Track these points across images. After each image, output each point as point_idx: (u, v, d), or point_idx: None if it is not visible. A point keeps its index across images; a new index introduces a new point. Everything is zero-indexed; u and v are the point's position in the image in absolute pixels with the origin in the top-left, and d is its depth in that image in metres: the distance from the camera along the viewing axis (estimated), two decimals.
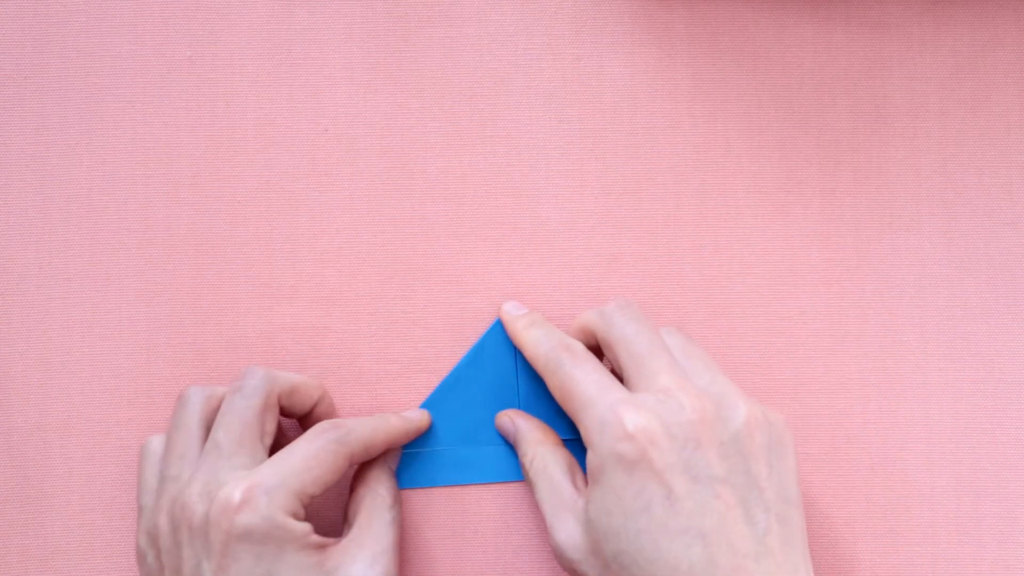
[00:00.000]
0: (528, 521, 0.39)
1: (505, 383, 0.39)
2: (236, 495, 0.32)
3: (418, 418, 0.38)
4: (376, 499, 0.36)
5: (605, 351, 0.36)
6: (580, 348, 0.35)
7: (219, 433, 0.34)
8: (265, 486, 0.32)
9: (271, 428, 0.35)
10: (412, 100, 0.40)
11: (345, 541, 0.34)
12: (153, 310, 0.40)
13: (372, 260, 0.40)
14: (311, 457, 0.34)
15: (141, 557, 0.35)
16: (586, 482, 0.35)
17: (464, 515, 0.39)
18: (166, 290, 0.40)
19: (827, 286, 0.40)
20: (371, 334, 0.40)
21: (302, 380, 0.37)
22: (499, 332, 0.39)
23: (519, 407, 0.39)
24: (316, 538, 0.33)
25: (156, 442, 0.37)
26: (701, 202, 0.40)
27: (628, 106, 0.40)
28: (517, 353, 0.39)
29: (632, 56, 0.40)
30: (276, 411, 0.36)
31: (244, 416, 0.35)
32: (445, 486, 0.39)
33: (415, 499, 0.39)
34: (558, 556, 0.34)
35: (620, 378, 0.35)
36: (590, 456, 0.33)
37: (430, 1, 0.40)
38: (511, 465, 0.39)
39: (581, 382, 0.34)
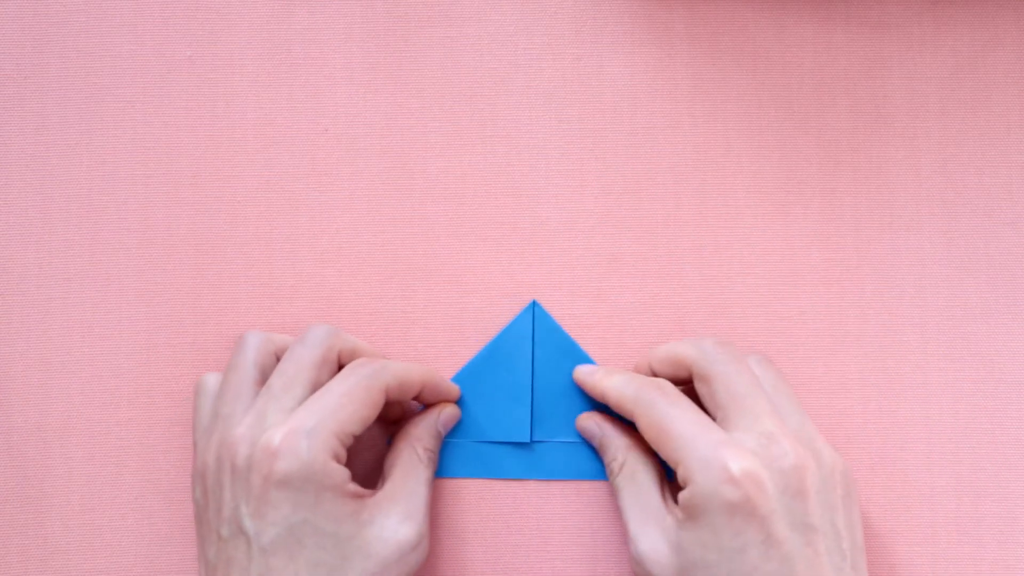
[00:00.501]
0: (528, 521, 0.39)
1: (520, 381, 0.39)
2: (275, 439, 0.32)
3: (453, 385, 0.39)
4: (413, 456, 0.36)
5: (699, 384, 0.36)
6: (671, 387, 0.35)
7: (274, 379, 0.35)
8: (304, 428, 0.32)
9: (325, 380, 0.35)
10: (412, 100, 0.40)
11: (380, 495, 0.35)
12: (153, 310, 0.40)
13: (372, 260, 0.40)
14: (346, 394, 0.34)
15: (193, 492, 0.35)
16: (674, 497, 0.35)
17: (464, 514, 0.39)
18: (166, 290, 0.40)
19: (827, 286, 0.40)
20: (371, 334, 0.40)
21: (365, 345, 0.37)
22: (515, 330, 0.39)
23: (533, 406, 0.39)
24: (353, 487, 0.34)
25: (212, 380, 0.37)
26: (701, 202, 0.40)
27: (628, 106, 0.40)
28: (534, 352, 0.39)
29: (632, 56, 0.40)
30: (334, 366, 0.36)
31: (300, 363, 0.35)
32: (448, 479, 0.39)
33: None
34: (638, 565, 0.34)
35: (710, 415, 0.35)
36: (689, 492, 0.33)
37: (430, 1, 0.40)
38: (514, 463, 0.39)
39: (678, 419, 0.34)
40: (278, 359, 0.37)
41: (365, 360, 0.35)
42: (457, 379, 0.39)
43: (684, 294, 0.40)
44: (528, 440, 0.39)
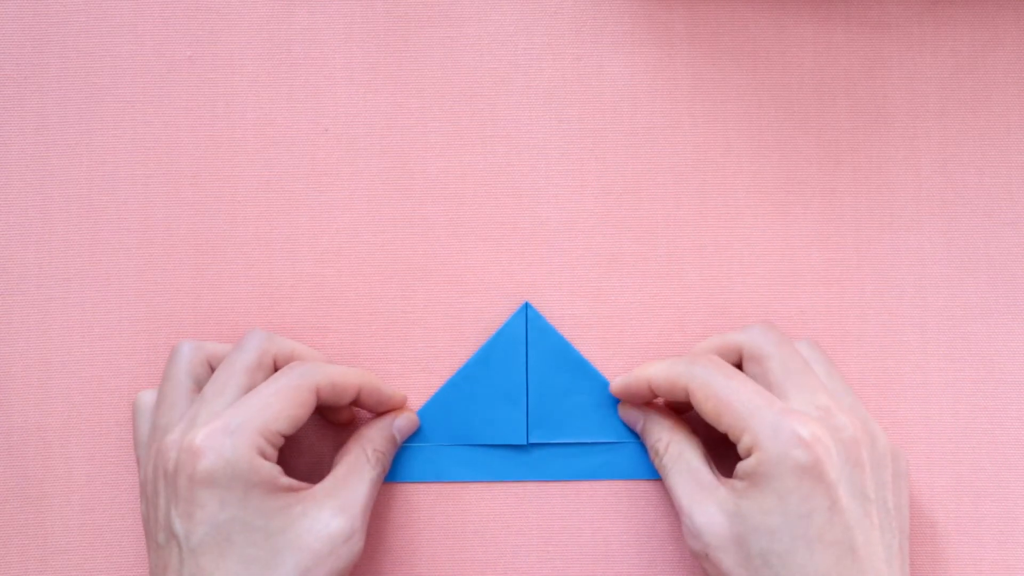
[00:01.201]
0: (528, 521, 0.39)
1: (515, 383, 0.39)
2: (198, 438, 0.32)
3: (396, 392, 0.38)
4: (361, 456, 0.36)
5: (751, 365, 0.36)
6: (722, 361, 0.36)
7: (208, 386, 0.35)
8: (228, 427, 0.33)
9: (259, 384, 0.35)
10: (412, 100, 0.40)
11: (317, 488, 0.35)
12: (153, 310, 0.40)
13: (372, 260, 0.40)
14: (273, 394, 0.34)
15: (141, 506, 0.35)
16: (722, 471, 0.36)
17: (464, 515, 0.39)
18: (166, 290, 0.40)
19: (827, 286, 0.40)
20: (371, 334, 0.40)
21: (304, 348, 0.37)
22: (509, 332, 0.39)
23: (528, 409, 0.39)
24: (286, 480, 0.34)
25: (148, 396, 0.37)
26: (701, 202, 0.40)
27: (628, 106, 0.40)
28: (527, 353, 0.39)
29: (632, 56, 0.40)
30: (270, 370, 0.36)
31: (232, 368, 0.35)
32: (447, 482, 0.39)
33: (416, 498, 0.39)
34: (694, 538, 0.34)
35: None
36: (756, 459, 0.33)
37: (430, 1, 0.40)
38: (511, 466, 0.39)
39: (738, 390, 0.34)
40: (212, 368, 0.37)
41: (298, 363, 0.35)
42: (451, 384, 0.39)
43: (684, 294, 0.40)
44: (524, 442, 0.39)
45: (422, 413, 0.39)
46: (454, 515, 0.39)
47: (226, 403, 0.34)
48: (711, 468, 0.36)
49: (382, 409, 0.38)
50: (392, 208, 0.40)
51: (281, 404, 0.34)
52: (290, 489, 0.34)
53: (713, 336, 0.38)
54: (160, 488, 0.33)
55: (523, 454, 0.39)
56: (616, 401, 0.39)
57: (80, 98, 0.40)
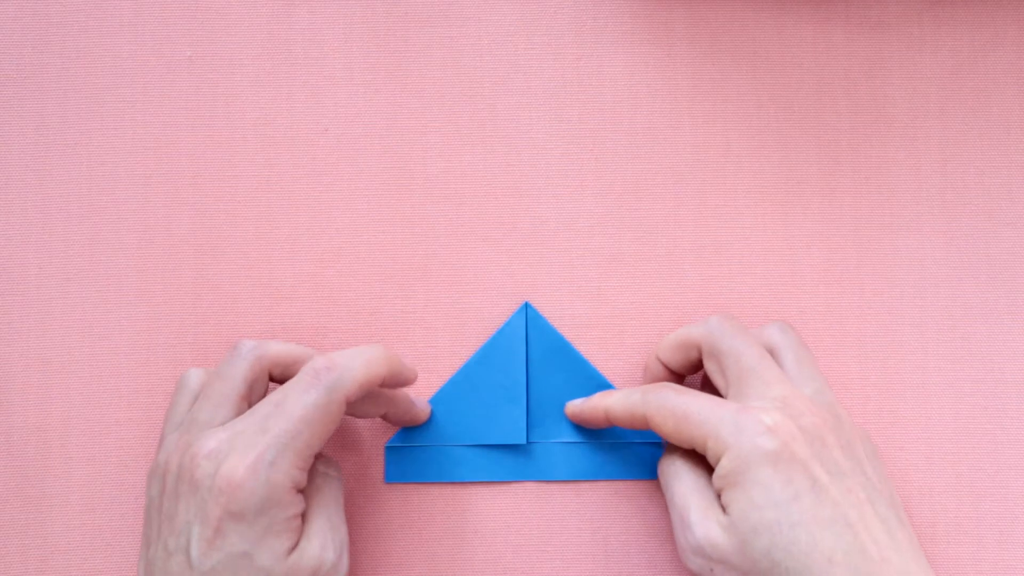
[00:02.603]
0: (528, 521, 0.39)
1: (515, 383, 0.39)
2: (238, 472, 0.32)
3: (410, 369, 0.37)
4: (325, 476, 0.36)
5: (709, 362, 0.36)
6: (674, 384, 0.36)
7: (261, 404, 0.34)
8: (266, 460, 0.32)
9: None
10: (412, 100, 0.40)
11: (305, 527, 0.34)
12: (153, 310, 0.40)
13: (372, 260, 0.40)
14: (308, 416, 0.33)
15: (149, 487, 0.35)
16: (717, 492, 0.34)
17: (464, 515, 0.39)
18: (166, 290, 0.40)
19: (827, 286, 0.40)
20: (371, 334, 0.40)
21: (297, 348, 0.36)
22: (508, 332, 0.39)
23: (528, 408, 0.39)
24: (296, 522, 0.33)
25: (195, 377, 0.36)
26: (701, 202, 0.40)
27: (628, 106, 0.40)
28: (527, 353, 0.39)
29: (632, 56, 0.40)
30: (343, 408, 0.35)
31: (305, 410, 0.33)
32: (447, 483, 0.39)
33: (416, 498, 0.39)
34: (695, 554, 0.33)
35: (720, 393, 0.36)
36: (727, 460, 0.33)
37: (430, 1, 0.40)
38: (514, 464, 0.39)
39: (693, 403, 0.34)
40: (271, 375, 0.36)
41: (325, 367, 0.34)
42: (451, 384, 0.39)
43: (684, 294, 0.40)
44: (524, 442, 0.39)
45: None
46: (454, 515, 0.39)
47: (260, 424, 0.33)
48: (709, 484, 0.35)
49: (399, 384, 0.37)
50: (392, 208, 0.40)
51: (318, 424, 0.33)
52: (298, 527, 0.34)
53: (682, 328, 0.37)
54: (183, 493, 0.33)
55: (523, 454, 0.39)
56: None
57: (80, 98, 0.40)
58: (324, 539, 0.34)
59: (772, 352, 0.36)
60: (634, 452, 0.39)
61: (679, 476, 0.35)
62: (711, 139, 0.40)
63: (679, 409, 0.34)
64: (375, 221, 0.40)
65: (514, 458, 0.39)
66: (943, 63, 0.40)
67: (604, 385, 0.39)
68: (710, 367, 0.36)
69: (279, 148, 0.40)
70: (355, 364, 0.34)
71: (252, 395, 0.35)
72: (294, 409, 0.33)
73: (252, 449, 0.32)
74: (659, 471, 0.37)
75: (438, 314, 0.40)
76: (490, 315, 0.40)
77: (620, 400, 0.36)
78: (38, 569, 0.39)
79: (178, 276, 0.40)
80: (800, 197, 0.40)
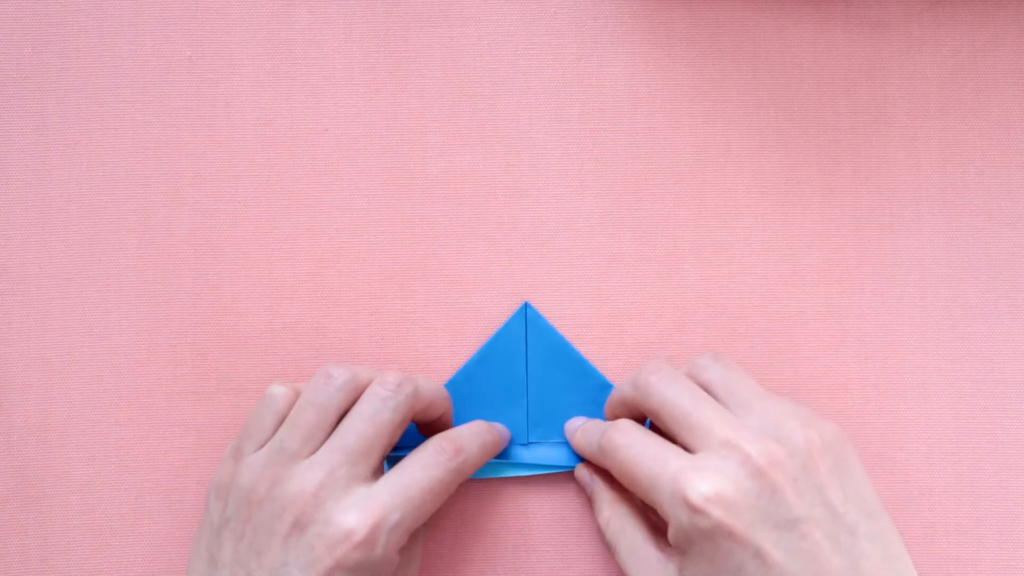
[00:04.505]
0: (528, 521, 0.39)
1: (515, 383, 0.39)
2: (362, 531, 0.32)
3: (504, 433, 0.39)
4: (416, 542, 0.36)
5: (652, 419, 0.35)
6: (624, 424, 0.35)
7: (348, 433, 0.34)
8: (388, 524, 0.32)
9: (396, 441, 0.35)
10: (412, 100, 0.40)
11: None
12: (153, 310, 0.40)
13: (372, 260, 0.40)
14: (431, 490, 0.34)
15: (219, 499, 0.34)
16: (669, 543, 0.34)
17: (464, 515, 0.39)
18: (166, 290, 0.40)
19: (827, 286, 0.40)
20: (371, 334, 0.40)
21: (439, 396, 0.36)
22: (508, 332, 0.39)
23: (528, 408, 0.39)
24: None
25: (281, 394, 0.35)
26: (701, 202, 0.40)
27: (628, 106, 0.40)
28: (527, 353, 0.39)
29: (632, 56, 0.40)
30: (407, 426, 0.35)
31: (380, 426, 0.34)
32: None
33: None
34: None
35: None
36: (672, 530, 0.32)
37: (430, 1, 0.40)
38: (514, 464, 0.39)
39: (638, 460, 0.33)
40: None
41: (452, 446, 0.35)
42: (451, 384, 0.39)
43: (684, 294, 0.40)
44: (525, 442, 0.39)
45: None
46: (453, 515, 0.39)
47: (370, 468, 0.33)
48: (657, 544, 0.35)
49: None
50: (392, 208, 0.40)
51: (434, 503, 0.34)
52: None
53: (616, 389, 0.37)
54: (279, 531, 0.32)
55: (523, 453, 0.39)
56: None
57: (80, 98, 0.40)
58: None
59: (707, 388, 0.35)
60: None
61: (620, 536, 0.36)
62: (711, 139, 0.40)
63: (628, 468, 0.34)
64: (375, 221, 0.40)
65: (514, 458, 0.39)
66: (943, 63, 0.40)
67: (604, 385, 0.39)
68: (655, 423, 0.35)
69: (279, 148, 0.40)
70: (476, 450, 0.36)
71: (338, 422, 0.35)
72: (421, 478, 0.34)
73: (376, 505, 0.32)
74: (603, 538, 0.36)
75: (438, 314, 0.40)
76: (490, 315, 0.40)
77: (580, 445, 0.37)
78: (38, 569, 0.39)
79: (178, 276, 0.40)
80: (800, 197, 0.40)
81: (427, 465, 0.34)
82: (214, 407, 0.39)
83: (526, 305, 0.39)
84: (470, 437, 0.36)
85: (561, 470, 0.39)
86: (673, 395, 0.34)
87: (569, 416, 0.39)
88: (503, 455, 0.39)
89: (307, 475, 0.33)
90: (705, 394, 0.34)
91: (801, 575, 0.31)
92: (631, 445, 0.34)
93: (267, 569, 0.32)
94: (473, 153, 0.40)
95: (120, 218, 0.40)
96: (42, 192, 0.40)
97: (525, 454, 0.39)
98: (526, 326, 0.39)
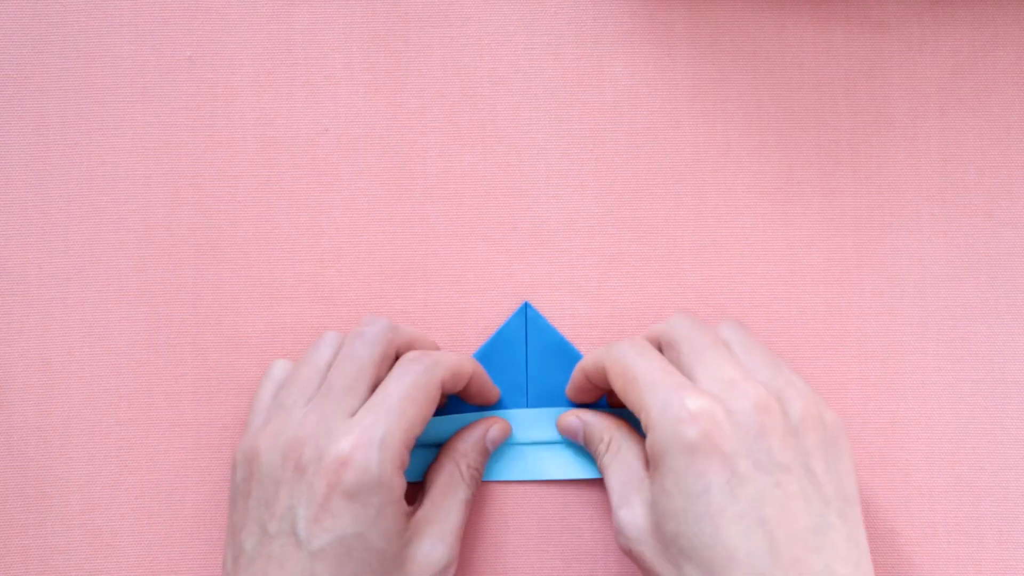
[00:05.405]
0: (528, 521, 0.39)
1: (515, 383, 0.39)
2: (345, 448, 0.32)
3: (495, 387, 0.39)
4: (456, 473, 0.36)
5: (668, 352, 0.36)
6: (641, 340, 0.36)
7: (335, 377, 0.35)
8: (375, 438, 0.33)
9: (383, 376, 0.35)
10: (412, 100, 0.40)
11: (419, 514, 0.35)
12: (153, 310, 0.40)
13: (372, 260, 0.40)
14: (407, 397, 0.34)
15: (233, 471, 0.35)
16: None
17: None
18: (166, 290, 0.40)
19: (827, 286, 0.40)
20: None
21: (420, 335, 0.37)
22: (508, 332, 0.39)
23: (527, 407, 0.39)
24: (404, 505, 0.34)
25: (280, 367, 0.37)
26: (701, 202, 0.40)
27: (628, 106, 0.40)
28: (527, 353, 0.39)
29: (632, 56, 0.40)
30: (391, 361, 0.36)
31: (361, 362, 0.35)
32: None
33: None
34: (620, 535, 0.34)
35: None
36: (651, 438, 0.33)
37: (430, 1, 0.40)
38: (513, 464, 0.39)
39: (644, 367, 0.34)
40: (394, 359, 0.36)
41: (416, 355, 0.35)
42: None
43: (684, 294, 0.40)
44: (525, 442, 0.39)
45: None
46: None
47: (357, 400, 0.34)
48: (646, 466, 0.35)
49: (479, 401, 0.38)
50: (392, 208, 0.40)
51: (417, 408, 0.34)
52: (406, 512, 0.34)
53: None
54: (285, 479, 0.33)
55: (523, 454, 0.39)
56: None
57: (80, 98, 0.40)
58: (436, 538, 0.34)
59: (726, 344, 0.36)
60: None
61: (617, 456, 0.36)
62: (711, 139, 0.40)
63: (630, 370, 0.34)
64: (375, 221, 0.40)
65: (514, 458, 0.39)
66: (943, 63, 0.40)
67: None
68: (669, 356, 0.35)
69: (279, 148, 0.40)
70: (444, 357, 0.36)
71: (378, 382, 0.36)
72: (393, 389, 0.34)
73: (356, 428, 0.33)
74: (600, 461, 0.37)
75: (438, 314, 0.40)
76: (490, 315, 0.40)
77: (590, 356, 0.37)
78: (38, 569, 0.39)
79: (178, 276, 0.40)
80: (800, 197, 0.40)
81: (398, 377, 0.34)
82: (214, 407, 0.39)
83: (526, 305, 0.39)
84: (440, 352, 0.36)
85: (569, 478, 0.39)
86: (697, 334, 0.35)
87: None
88: (504, 463, 0.39)
89: (304, 426, 0.33)
90: (724, 343, 0.35)
91: (765, 517, 0.31)
92: (643, 355, 0.35)
93: (276, 518, 0.33)
94: (473, 153, 0.40)
95: (120, 218, 0.40)
96: (42, 192, 0.40)
97: (526, 453, 0.39)
98: (526, 326, 0.39)
